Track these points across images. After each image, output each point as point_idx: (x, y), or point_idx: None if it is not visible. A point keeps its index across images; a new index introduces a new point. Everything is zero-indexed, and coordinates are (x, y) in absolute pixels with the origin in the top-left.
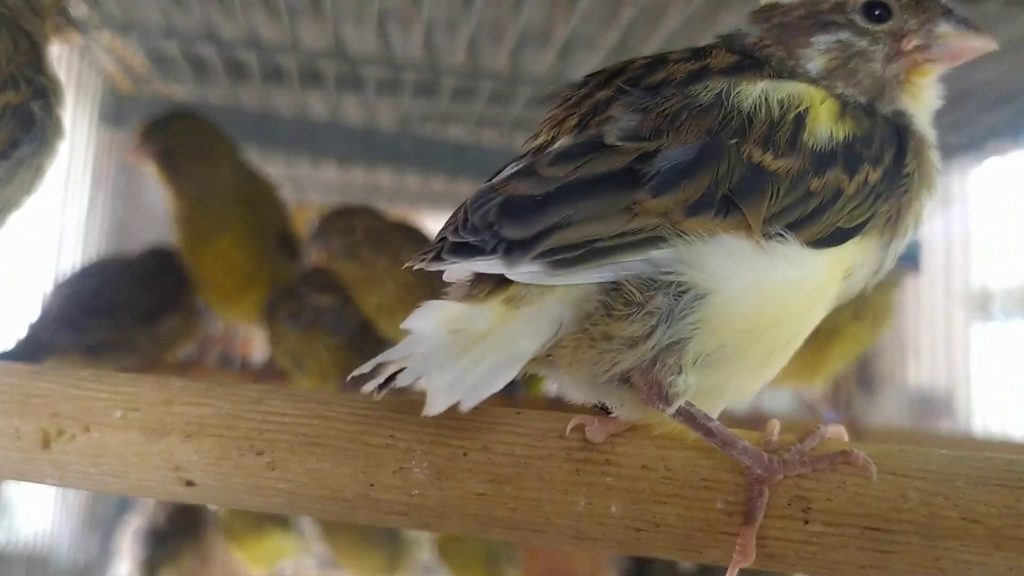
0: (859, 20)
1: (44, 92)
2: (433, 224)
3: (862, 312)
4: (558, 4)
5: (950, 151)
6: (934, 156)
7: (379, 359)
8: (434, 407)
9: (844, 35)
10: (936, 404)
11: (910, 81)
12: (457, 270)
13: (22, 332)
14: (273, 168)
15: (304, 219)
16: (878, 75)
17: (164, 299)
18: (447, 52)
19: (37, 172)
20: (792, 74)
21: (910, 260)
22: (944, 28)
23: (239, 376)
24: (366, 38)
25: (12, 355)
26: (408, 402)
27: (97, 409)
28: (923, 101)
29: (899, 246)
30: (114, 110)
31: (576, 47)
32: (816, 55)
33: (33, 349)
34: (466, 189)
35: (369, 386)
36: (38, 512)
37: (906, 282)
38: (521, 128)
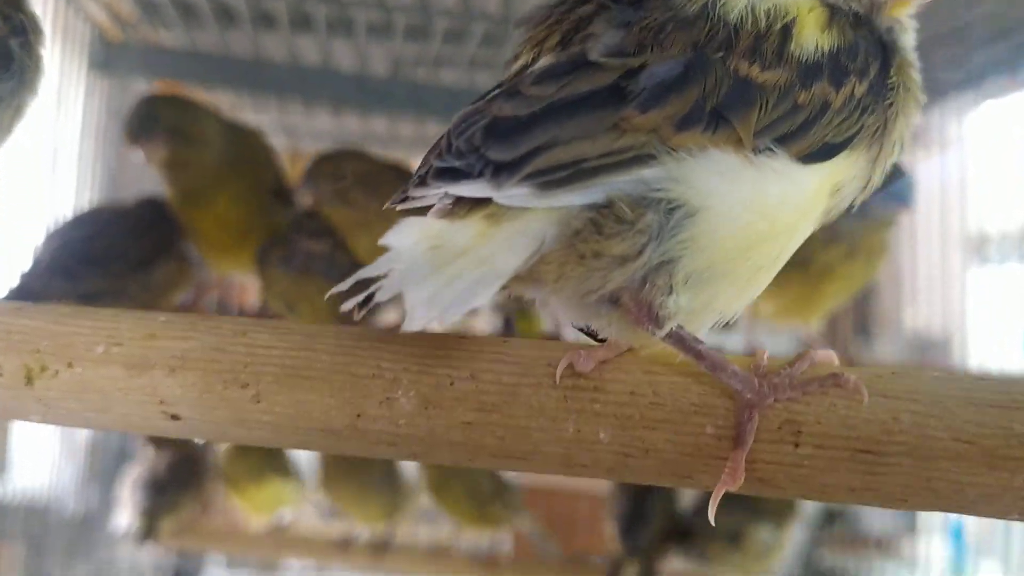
0: None
1: (23, 29)
2: None
3: (856, 251)
4: None
5: (947, 88)
6: (917, 76)
7: (357, 276)
8: (413, 323)
9: None
10: (933, 347)
11: (893, 11)
12: (443, 195)
13: (14, 281)
14: (266, 116)
15: (298, 169)
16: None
17: (157, 247)
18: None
19: (16, 111)
20: None
21: (902, 199)
22: None
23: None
24: None
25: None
26: (394, 334)
27: (79, 344)
28: (906, 29)
29: (886, 162)
30: (103, 57)
31: None
32: None
33: (25, 298)
34: None
35: (348, 304)
36: (38, 464)
37: (902, 226)
38: None
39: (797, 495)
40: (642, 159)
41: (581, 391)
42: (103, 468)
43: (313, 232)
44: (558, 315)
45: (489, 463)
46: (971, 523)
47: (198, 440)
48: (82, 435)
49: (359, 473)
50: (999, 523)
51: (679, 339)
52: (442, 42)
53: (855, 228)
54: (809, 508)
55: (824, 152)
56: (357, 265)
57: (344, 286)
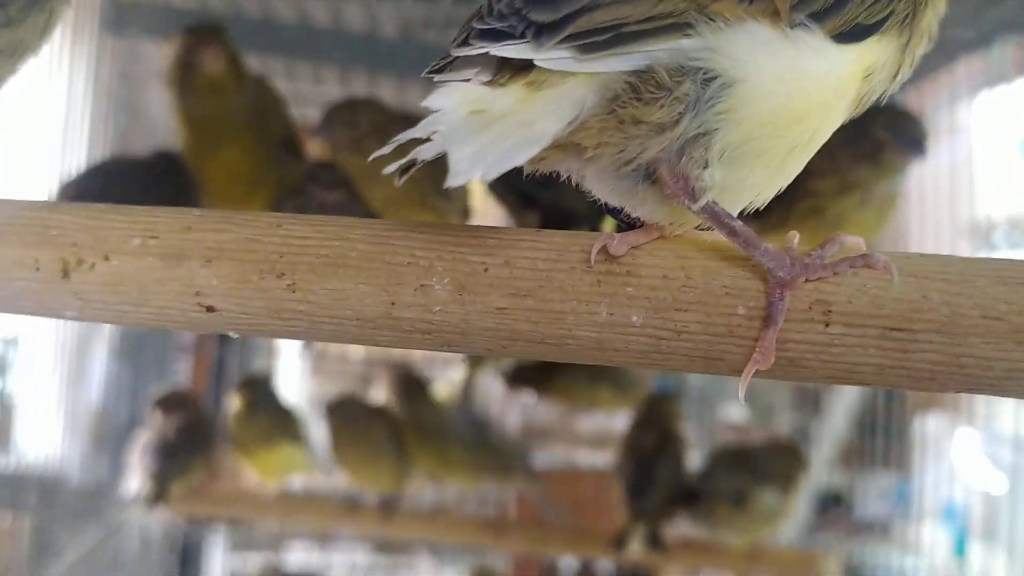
0: None
1: None
2: None
3: (868, 200)
4: None
5: (959, 46)
6: None
7: (400, 137)
8: (456, 178)
9: None
10: None
11: None
12: (484, 57)
13: None
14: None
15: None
16: None
17: (167, 198)
18: None
19: (49, 16)
20: None
21: (915, 146)
22: None
23: None
24: None
25: None
26: (428, 224)
27: (115, 238)
28: None
29: (915, 52)
30: (115, 18)
31: None
32: None
33: None
34: None
35: (392, 167)
36: (46, 436)
37: (910, 211)
38: None
39: (827, 377)
40: (681, 27)
41: (614, 275)
42: (111, 436)
43: (328, 183)
44: (594, 188)
45: (523, 350)
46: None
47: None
48: (90, 402)
49: (367, 438)
50: (995, 507)
51: (713, 214)
52: (452, 3)
53: (867, 176)
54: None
55: (857, 33)
56: (371, 214)
57: (387, 149)
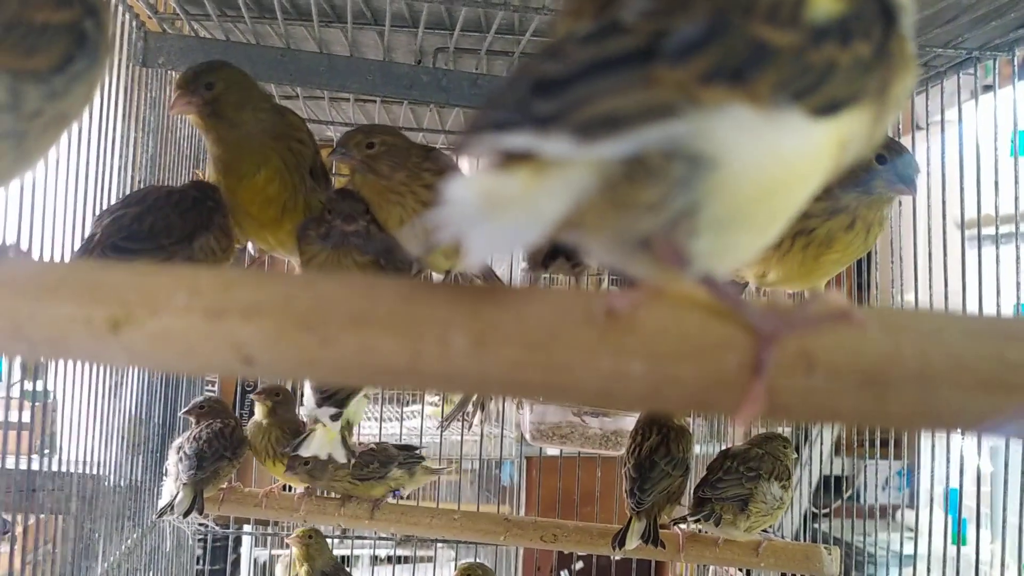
0: None
1: (95, 11)
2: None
3: (856, 223)
4: None
5: (944, 67)
6: (912, 46)
7: (418, 224)
8: (471, 259)
9: None
10: None
11: None
12: (492, 146)
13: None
14: (292, 104)
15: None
16: None
17: (199, 222)
18: None
19: (90, 86)
20: None
21: (905, 180)
22: None
23: None
24: None
25: None
26: (447, 284)
27: (162, 296)
28: (906, 5)
29: (887, 119)
30: (143, 48)
31: None
32: None
33: None
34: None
35: (413, 247)
36: (85, 440)
37: (901, 205)
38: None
39: (810, 419)
40: (670, 112)
41: (616, 330)
42: (148, 438)
43: (347, 216)
44: (598, 256)
45: (535, 396)
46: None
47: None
48: (126, 408)
49: None
50: (993, 494)
51: (703, 278)
52: (462, 31)
53: (857, 202)
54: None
55: (833, 107)
56: (389, 238)
57: (406, 236)
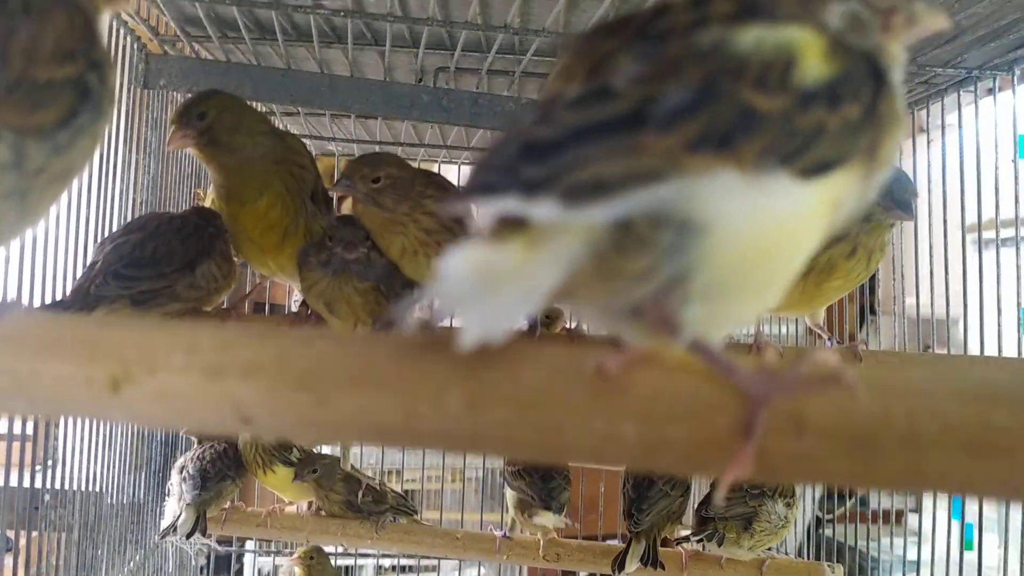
0: None
1: (99, 64)
2: (449, 171)
3: (857, 250)
4: None
5: (945, 84)
6: (901, 106)
7: (414, 300)
8: (468, 340)
9: (854, 5)
10: (937, 330)
11: (888, 46)
12: (479, 209)
13: (71, 285)
14: (293, 121)
15: (326, 169)
16: (874, 40)
17: (201, 249)
18: (460, 8)
19: (94, 138)
20: (799, 20)
21: (904, 207)
22: (919, 6)
23: (276, 321)
24: (382, 2)
25: (63, 306)
26: (442, 342)
27: (160, 354)
28: (896, 60)
29: (879, 177)
30: (144, 70)
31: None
32: (833, 18)
33: (82, 300)
34: (480, 136)
35: (406, 326)
36: (88, 456)
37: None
38: (531, 77)
39: (801, 479)
40: (658, 177)
41: (609, 391)
42: (150, 458)
43: (348, 243)
44: (589, 323)
45: (529, 455)
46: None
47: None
48: (128, 425)
49: None
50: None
51: (694, 345)
52: (462, 52)
53: (858, 229)
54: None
55: (822, 169)
56: (391, 265)
57: (400, 312)
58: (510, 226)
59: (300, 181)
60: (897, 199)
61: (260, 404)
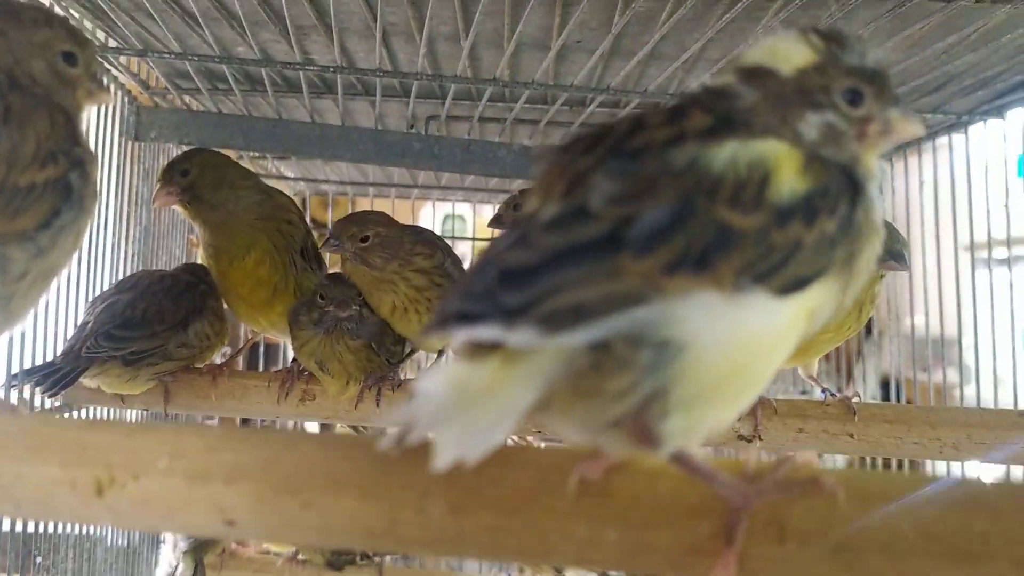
0: (841, 104)
1: (81, 162)
2: (443, 209)
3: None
4: (553, 14)
5: (936, 128)
6: (878, 215)
7: (394, 420)
8: (443, 460)
9: (830, 116)
10: (939, 350)
11: (865, 154)
12: (460, 337)
13: (63, 345)
14: (287, 164)
15: (319, 210)
16: (850, 150)
17: (193, 307)
18: (449, 60)
19: (77, 235)
20: (774, 133)
21: (897, 258)
22: (894, 114)
23: (269, 377)
24: (372, 52)
25: (54, 367)
26: (425, 448)
27: (145, 458)
28: (872, 170)
29: (856, 285)
30: (135, 122)
31: (573, 51)
32: (809, 129)
33: (74, 361)
34: (473, 179)
35: (386, 442)
36: None
37: (909, 229)
38: (523, 123)
39: None
40: (636, 301)
41: (591, 496)
42: None
43: (340, 301)
44: (568, 437)
45: (512, 559)
46: None
47: None
48: None
49: None
50: None
51: (675, 456)
52: (453, 101)
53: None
54: None
55: (798, 283)
56: (381, 322)
57: (387, 442)
58: (485, 346)
59: (288, 238)
60: (891, 250)
61: (245, 508)
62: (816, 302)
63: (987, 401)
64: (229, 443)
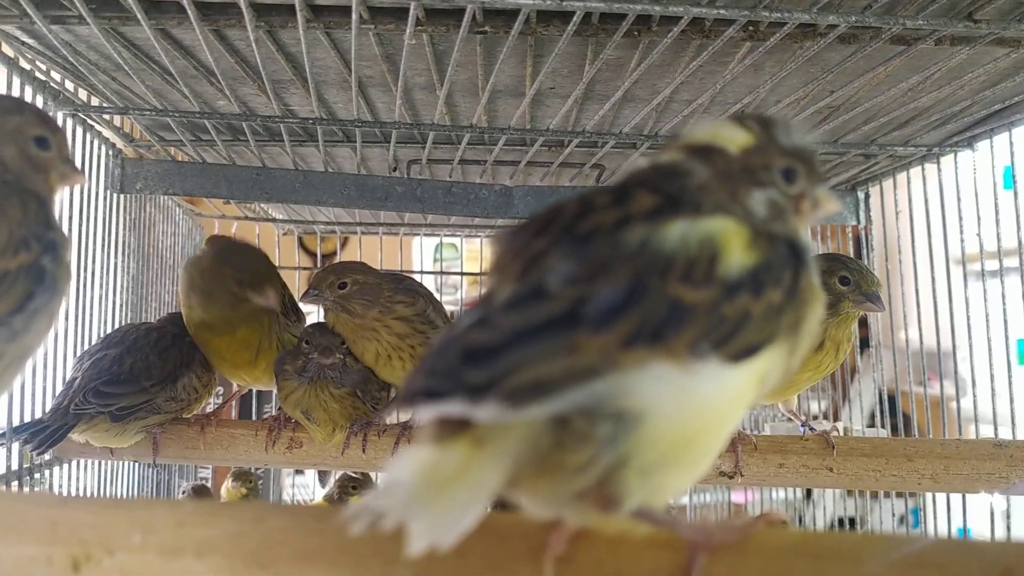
0: (779, 182)
1: (53, 246)
2: (432, 242)
3: (824, 344)
4: (524, 64)
5: (908, 159)
6: (817, 278)
7: (363, 504)
8: (417, 547)
9: (772, 193)
10: (932, 363)
11: (800, 226)
12: (427, 413)
13: (52, 400)
14: (273, 205)
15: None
16: (790, 223)
17: (180, 360)
18: (427, 108)
19: (51, 316)
20: (723, 211)
21: (875, 298)
22: (821, 191)
23: (256, 426)
24: (351, 103)
25: (43, 424)
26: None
27: (118, 535)
28: (804, 239)
29: (803, 348)
30: (120, 175)
31: (547, 96)
32: (757, 205)
33: (62, 418)
34: (457, 218)
35: (357, 527)
36: None
37: (901, 242)
38: (503, 164)
39: None
40: (594, 374)
41: (556, 562)
42: None
43: (324, 349)
44: (534, 510)
45: None
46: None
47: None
48: (123, 479)
49: None
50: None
51: (637, 514)
52: (433, 146)
53: (827, 323)
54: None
55: (748, 351)
56: (365, 370)
57: (353, 518)
58: (451, 428)
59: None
60: (867, 292)
61: None
62: (766, 367)
63: (984, 414)
64: (199, 517)
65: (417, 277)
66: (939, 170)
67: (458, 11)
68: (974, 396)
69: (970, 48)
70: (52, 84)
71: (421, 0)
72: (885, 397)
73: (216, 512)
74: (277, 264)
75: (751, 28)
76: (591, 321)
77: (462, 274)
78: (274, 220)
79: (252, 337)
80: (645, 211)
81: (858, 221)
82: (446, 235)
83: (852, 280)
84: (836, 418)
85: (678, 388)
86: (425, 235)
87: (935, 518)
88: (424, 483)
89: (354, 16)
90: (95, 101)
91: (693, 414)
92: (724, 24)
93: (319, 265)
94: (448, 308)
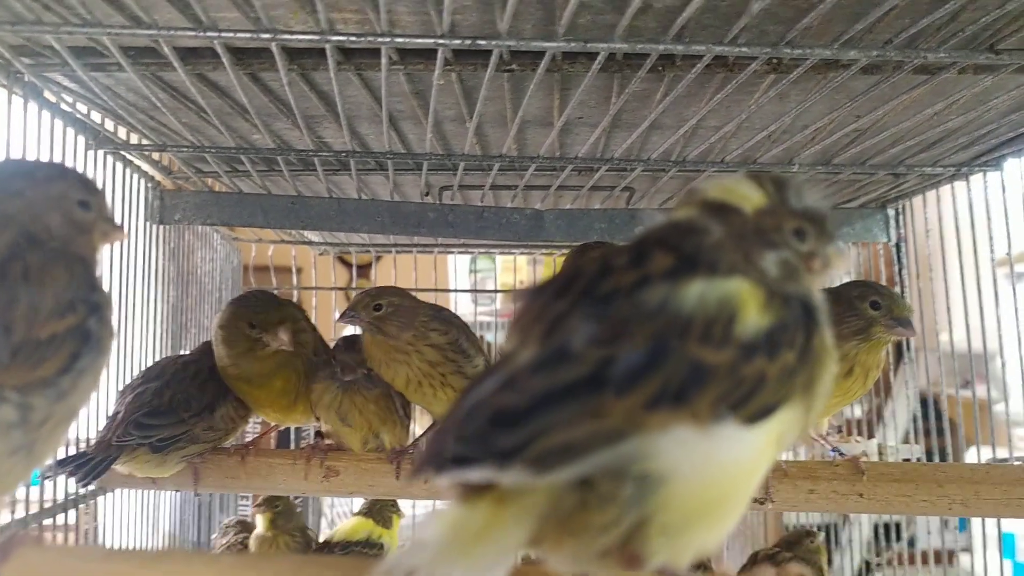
0: (791, 241)
1: (98, 307)
2: (463, 261)
3: (854, 369)
4: (552, 96)
5: (938, 178)
6: (830, 335)
7: (394, 560)
8: None
9: (784, 253)
10: (976, 365)
11: (811, 285)
12: (457, 478)
13: (94, 435)
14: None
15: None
16: (803, 283)
17: (218, 391)
18: (457, 138)
19: (96, 375)
20: (739, 271)
21: (906, 324)
22: (832, 250)
23: (294, 455)
24: (383, 135)
25: (87, 457)
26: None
27: None
28: (816, 297)
29: (818, 406)
30: (159, 206)
31: (576, 125)
32: (770, 266)
33: (106, 450)
34: (489, 241)
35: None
36: (125, 537)
37: (937, 247)
38: (534, 189)
39: None
40: (620, 437)
41: None
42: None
43: (346, 366)
44: (558, 567)
45: None
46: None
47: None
48: (162, 529)
49: None
50: None
51: (661, 572)
52: (465, 172)
53: (857, 349)
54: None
55: (765, 412)
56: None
57: (385, 574)
58: (476, 486)
59: (303, 346)
60: (898, 317)
61: None
62: (782, 427)
63: (1016, 414)
64: (237, 571)
65: (452, 295)
66: (968, 189)
67: (485, 52)
68: (1006, 401)
69: (994, 76)
70: (92, 124)
71: (449, 44)
72: (931, 402)
73: (254, 565)
74: (313, 284)
75: (775, 61)
76: (616, 384)
77: (496, 291)
78: (310, 243)
79: (289, 385)
80: (663, 271)
81: (888, 238)
82: (480, 254)
83: (883, 305)
84: (878, 419)
85: (698, 450)
86: (459, 253)
87: (982, 522)
88: (451, 541)
89: (383, 60)
90: (133, 138)
91: (713, 476)
92: (747, 59)
93: (354, 277)
94: (484, 319)
